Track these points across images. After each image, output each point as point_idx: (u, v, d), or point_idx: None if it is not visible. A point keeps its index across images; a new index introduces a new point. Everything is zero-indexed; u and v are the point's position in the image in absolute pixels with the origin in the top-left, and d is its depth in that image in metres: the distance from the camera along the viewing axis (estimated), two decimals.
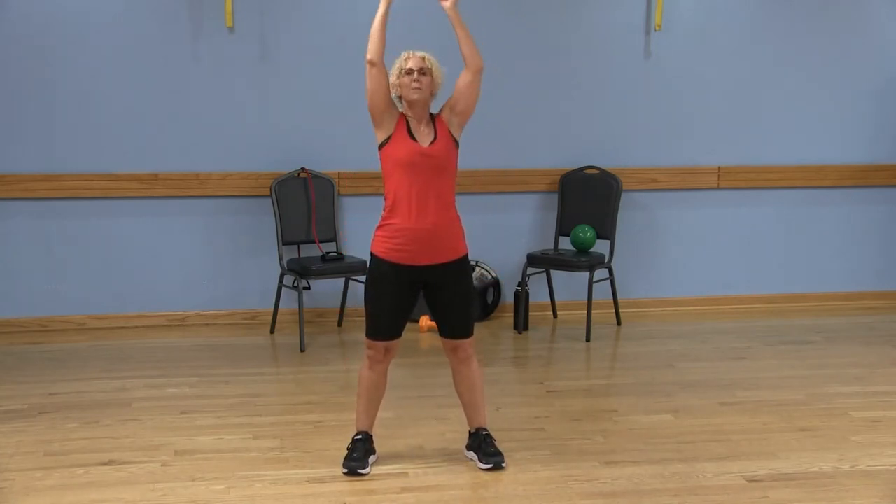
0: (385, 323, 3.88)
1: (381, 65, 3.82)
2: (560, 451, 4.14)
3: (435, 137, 3.87)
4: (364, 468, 3.90)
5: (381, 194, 3.96)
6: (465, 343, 3.95)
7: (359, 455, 3.92)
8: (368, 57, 3.81)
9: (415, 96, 3.84)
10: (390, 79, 3.87)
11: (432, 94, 3.90)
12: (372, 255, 3.91)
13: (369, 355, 3.92)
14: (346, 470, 3.89)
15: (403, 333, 3.96)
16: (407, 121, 3.89)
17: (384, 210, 3.89)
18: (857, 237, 6.95)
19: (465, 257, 3.95)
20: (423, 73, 3.84)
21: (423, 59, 3.87)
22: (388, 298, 3.88)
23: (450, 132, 3.90)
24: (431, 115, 3.95)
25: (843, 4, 6.70)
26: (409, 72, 3.84)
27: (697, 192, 6.72)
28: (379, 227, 3.90)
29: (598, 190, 6.37)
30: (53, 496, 3.67)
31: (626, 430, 4.42)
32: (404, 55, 3.88)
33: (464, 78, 3.89)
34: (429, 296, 3.95)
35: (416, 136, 3.86)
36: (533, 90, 6.42)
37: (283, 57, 6.16)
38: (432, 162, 3.82)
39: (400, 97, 3.89)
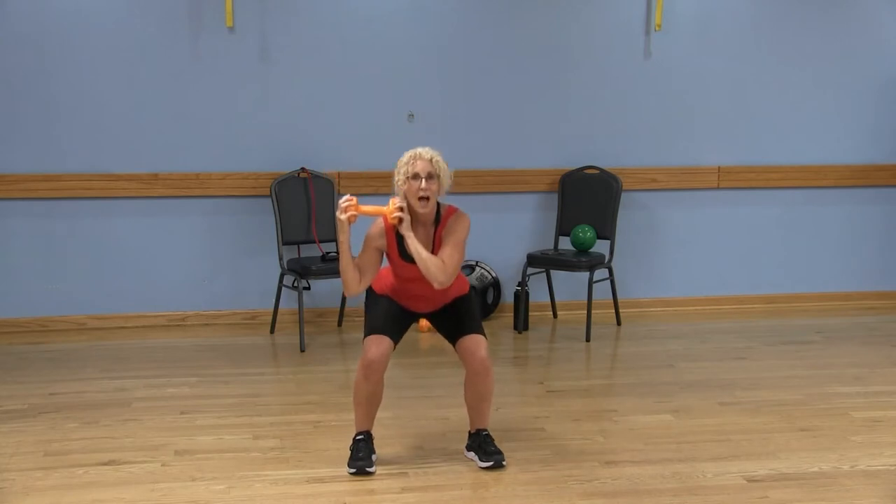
0: (383, 321, 3.89)
1: (360, 283, 3.79)
2: (560, 451, 4.14)
3: (432, 250, 3.82)
4: (370, 466, 3.89)
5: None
6: (481, 346, 3.85)
7: (364, 454, 3.90)
8: (347, 294, 3.82)
9: (421, 210, 3.75)
10: (396, 179, 3.78)
11: (441, 193, 3.80)
12: (370, 289, 3.98)
13: (364, 364, 3.82)
14: (353, 470, 3.88)
15: (402, 338, 3.98)
16: (396, 236, 3.80)
17: (388, 269, 3.95)
18: (857, 237, 6.95)
19: (468, 294, 4.02)
20: (431, 178, 3.73)
21: (431, 161, 3.73)
22: (386, 307, 3.93)
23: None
24: (440, 211, 3.86)
25: (843, 4, 6.70)
26: (416, 177, 3.72)
27: (697, 192, 6.72)
28: (381, 276, 3.95)
29: (598, 190, 6.37)
30: (53, 496, 3.67)
31: (626, 430, 4.42)
32: (410, 156, 3.75)
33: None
34: (435, 323, 4.03)
35: (409, 251, 3.75)
36: (533, 90, 6.42)
37: (283, 57, 6.16)
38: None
39: (404, 195, 3.77)
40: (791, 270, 6.91)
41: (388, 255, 3.89)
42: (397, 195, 3.79)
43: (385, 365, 3.86)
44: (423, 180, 3.71)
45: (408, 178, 3.73)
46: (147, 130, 6.08)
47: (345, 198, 3.74)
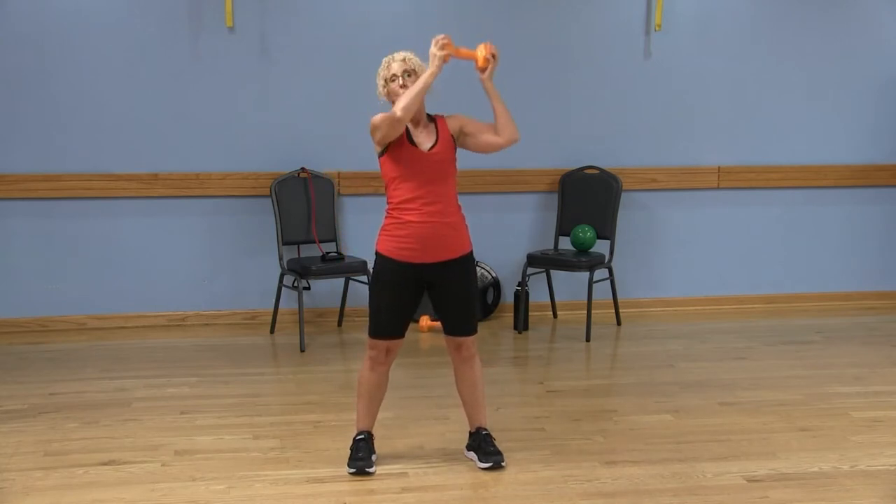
0: (386, 320, 3.87)
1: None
2: (560, 451, 4.14)
3: (436, 141, 3.85)
4: (370, 467, 3.90)
5: (381, 194, 3.97)
6: (468, 341, 3.94)
7: (364, 455, 3.91)
8: (400, 115, 3.68)
9: None
10: (378, 89, 3.84)
11: None
12: (377, 253, 3.91)
13: (371, 356, 3.91)
14: (353, 470, 3.88)
15: (406, 334, 3.97)
16: (406, 126, 3.87)
17: (388, 209, 3.88)
18: (857, 237, 6.96)
19: (470, 255, 3.94)
20: (409, 75, 3.80)
21: (405, 60, 3.81)
22: (390, 295, 3.87)
23: (452, 138, 3.90)
24: (429, 115, 3.91)
25: (843, 4, 6.70)
26: (394, 78, 3.79)
27: (697, 192, 6.72)
28: (383, 227, 3.89)
29: (598, 190, 6.37)
30: (53, 496, 3.67)
31: (626, 430, 4.42)
32: (385, 62, 3.83)
33: (490, 137, 3.92)
34: (432, 294, 3.95)
35: (415, 139, 3.84)
36: (533, 90, 6.41)
37: (283, 57, 6.16)
38: (434, 166, 3.81)
39: (392, 102, 3.83)
40: (791, 270, 6.92)
41: (390, 146, 3.82)
42: (385, 102, 3.86)
43: (392, 358, 3.92)
44: (401, 78, 3.79)
45: (387, 81, 3.82)
46: (147, 130, 6.08)
47: (441, 35, 3.77)
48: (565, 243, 6.39)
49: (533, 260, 6.21)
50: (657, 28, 6.47)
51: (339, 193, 6.26)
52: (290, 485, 3.79)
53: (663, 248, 6.73)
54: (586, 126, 6.54)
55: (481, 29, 6.31)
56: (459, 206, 3.93)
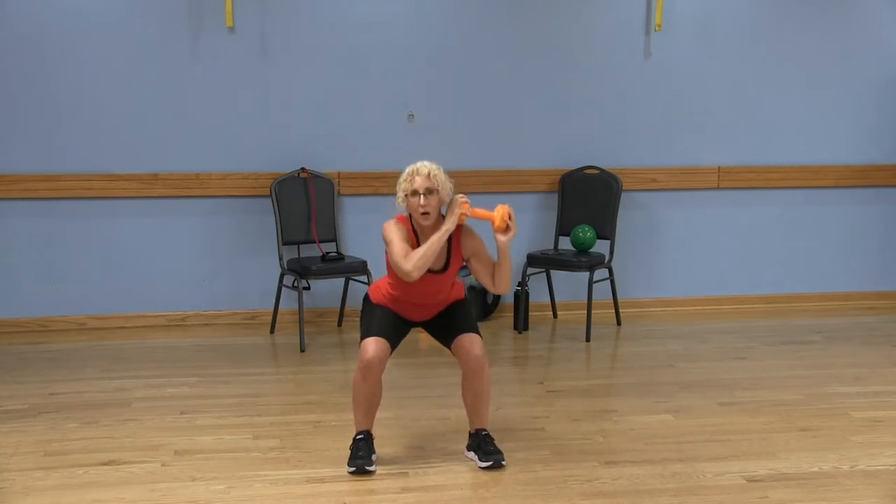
0: (377, 324, 3.91)
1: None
2: (560, 451, 4.14)
3: (446, 265, 3.91)
4: (370, 465, 3.90)
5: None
6: (476, 344, 3.90)
7: (364, 454, 3.91)
8: (414, 276, 3.72)
9: (424, 223, 3.84)
10: (398, 195, 3.84)
11: (441, 205, 3.87)
12: (367, 299, 4.03)
13: (362, 366, 3.84)
14: (353, 469, 3.88)
15: (399, 343, 4.00)
16: (416, 234, 3.88)
17: (387, 276, 3.97)
18: (857, 237, 6.95)
19: (464, 299, 4.08)
20: (430, 193, 3.79)
21: (429, 176, 3.79)
22: (383, 313, 3.96)
23: (462, 259, 3.95)
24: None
25: (843, 4, 6.70)
26: (415, 193, 3.79)
27: (697, 192, 6.72)
28: (379, 286, 4.00)
29: (598, 190, 6.37)
30: (53, 496, 3.67)
31: (626, 430, 4.42)
32: (409, 174, 3.81)
33: (487, 278, 3.90)
34: (430, 330, 4.07)
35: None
36: (533, 90, 6.42)
37: (283, 57, 6.16)
38: (439, 283, 3.92)
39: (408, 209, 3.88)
40: (791, 270, 6.92)
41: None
42: (401, 209, 3.90)
43: (383, 366, 3.88)
44: (422, 196, 3.79)
45: (407, 194, 3.82)
46: (147, 130, 6.08)
47: (462, 196, 3.82)
48: (565, 243, 6.39)
49: (533, 260, 6.21)
50: (657, 28, 6.47)
51: (339, 193, 6.26)
52: (290, 485, 3.79)
53: (663, 248, 6.73)
54: (586, 126, 6.54)
55: (481, 29, 6.34)
56: (454, 281, 4.05)
